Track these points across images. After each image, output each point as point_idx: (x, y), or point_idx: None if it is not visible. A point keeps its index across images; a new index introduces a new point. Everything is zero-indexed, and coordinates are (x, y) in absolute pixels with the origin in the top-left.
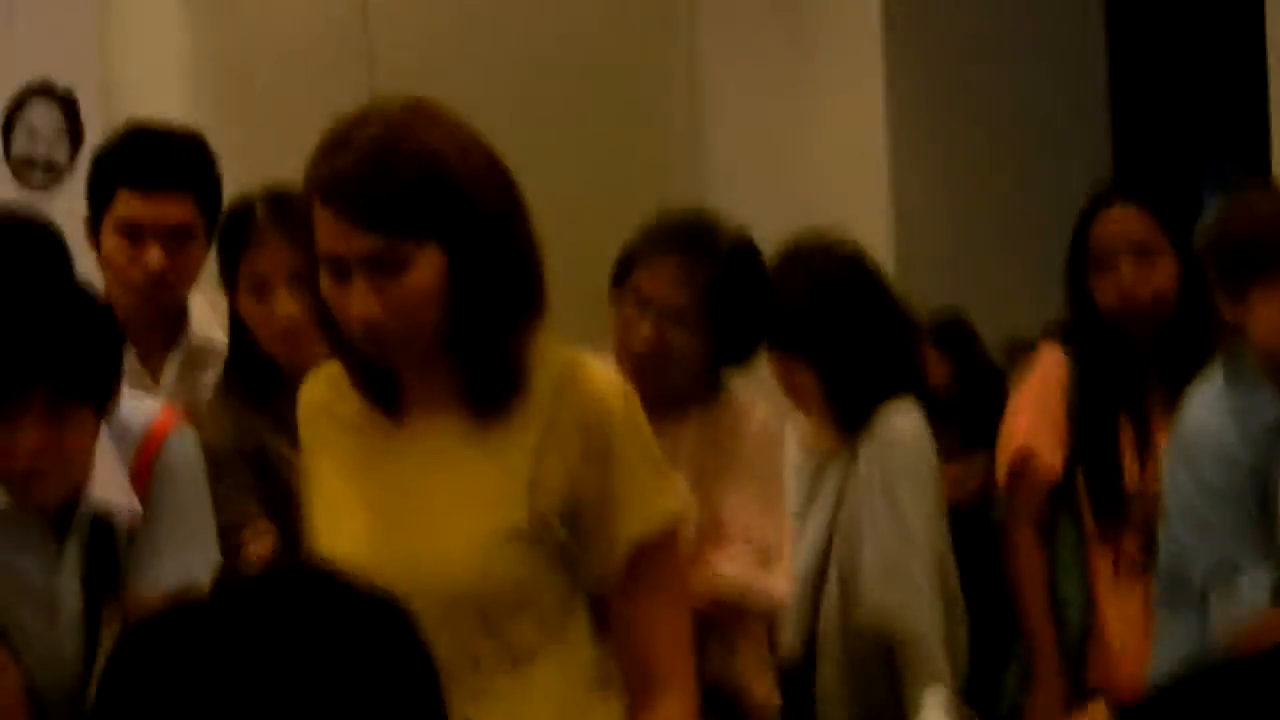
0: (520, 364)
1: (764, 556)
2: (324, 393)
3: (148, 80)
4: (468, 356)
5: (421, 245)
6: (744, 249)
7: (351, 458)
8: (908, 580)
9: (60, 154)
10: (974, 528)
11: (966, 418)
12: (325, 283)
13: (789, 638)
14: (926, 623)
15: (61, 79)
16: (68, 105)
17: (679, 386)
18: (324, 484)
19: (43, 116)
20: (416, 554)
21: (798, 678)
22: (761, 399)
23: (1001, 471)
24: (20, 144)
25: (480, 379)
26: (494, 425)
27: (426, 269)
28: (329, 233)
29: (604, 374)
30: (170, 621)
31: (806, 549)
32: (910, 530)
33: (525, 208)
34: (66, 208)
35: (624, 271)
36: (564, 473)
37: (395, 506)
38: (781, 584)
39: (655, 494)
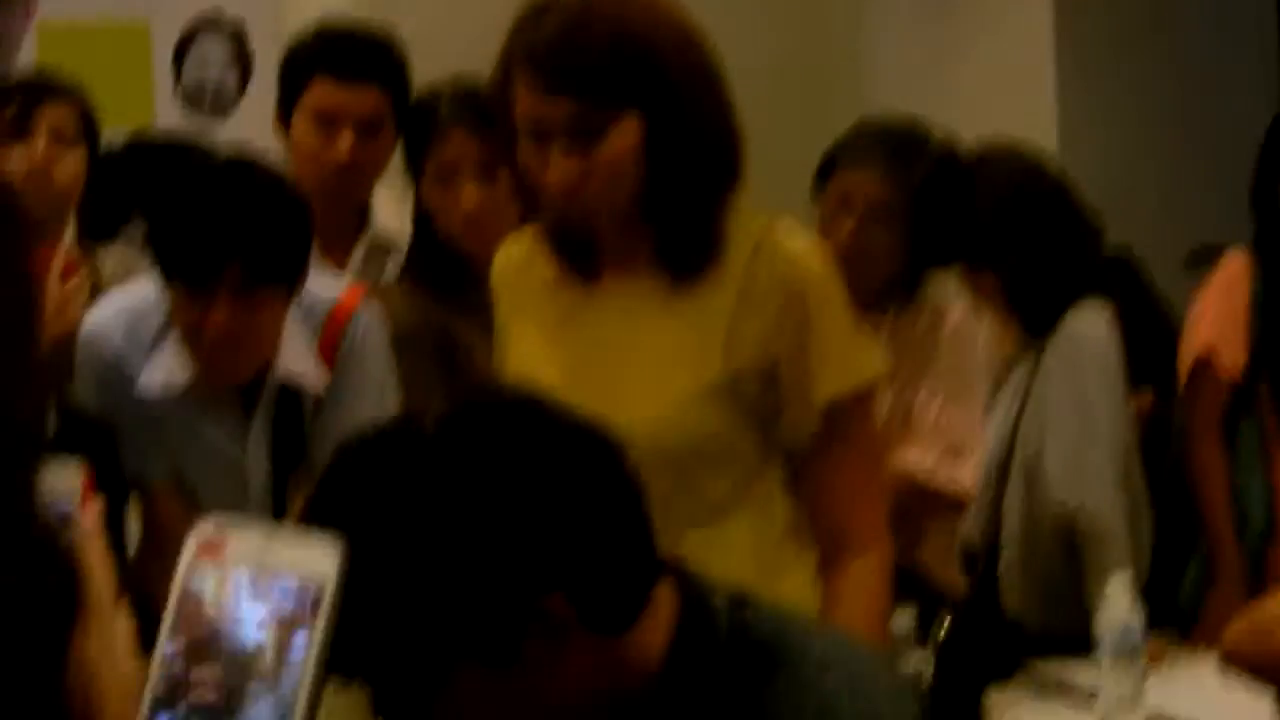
0: (717, 229)
1: (955, 449)
2: (520, 257)
3: (316, 13)
4: (665, 223)
5: (619, 113)
6: (949, 155)
7: (547, 319)
8: (1092, 473)
9: (229, 83)
10: (1154, 434)
11: (1133, 356)
12: (524, 151)
13: (973, 527)
14: (1109, 516)
15: (231, 10)
16: (237, 37)
17: (877, 287)
18: (519, 345)
19: (213, 47)
20: (611, 409)
21: (980, 567)
22: (959, 299)
23: (1184, 371)
24: (191, 73)
25: (677, 244)
26: (690, 288)
27: (624, 136)
28: (528, 100)
29: (802, 237)
30: (386, 438)
31: (991, 441)
32: (1095, 423)
33: (722, 79)
34: (235, 135)
35: (828, 172)
36: (760, 332)
37: (590, 364)
38: (971, 476)
39: (852, 354)
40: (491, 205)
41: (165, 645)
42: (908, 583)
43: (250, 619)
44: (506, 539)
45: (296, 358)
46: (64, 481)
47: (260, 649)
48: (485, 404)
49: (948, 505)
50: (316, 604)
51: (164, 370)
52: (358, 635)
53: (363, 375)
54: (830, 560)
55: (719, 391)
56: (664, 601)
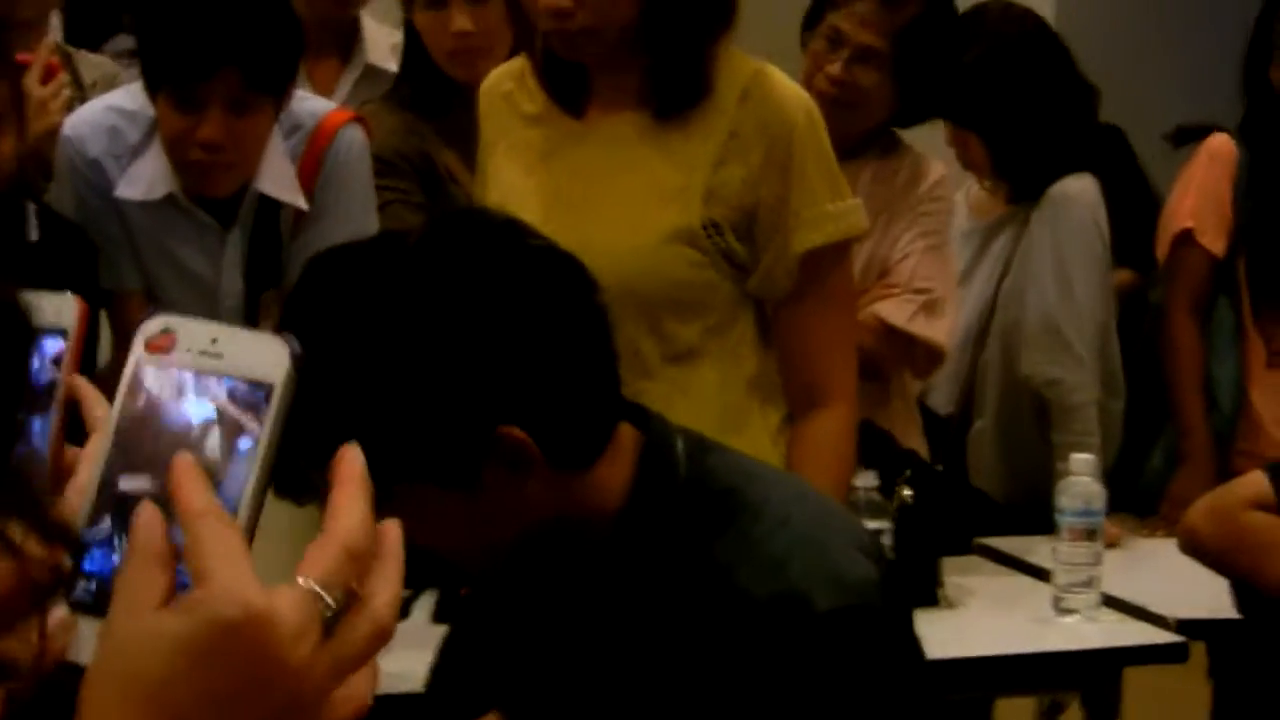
0: (708, 69)
1: (931, 304)
2: (508, 86)
3: None
4: (657, 57)
5: None
6: (942, 2)
7: (531, 150)
8: (1067, 345)
9: None
10: (1133, 312)
11: (1118, 232)
12: None
13: (945, 395)
14: (1082, 388)
15: None
16: None
17: (860, 130)
18: (499, 175)
19: None
20: (586, 244)
21: (951, 435)
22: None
23: (1163, 249)
24: None
25: (668, 80)
26: (677, 128)
27: None
28: None
29: (790, 86)
30: (361, 252)
31: (970, 309)
32: (1075, 296)
33: None
34: None
35: (818, 12)
36: (742, 179)
37: (569, 199)
38: (945, 333)
39: (833, 207)
40: (482, 30)
41: (107, 446)
42: (872, 445)
43: (196, 419)
44: (471, 359)
45: (277, 174)
46: (58, 316)
47: (205, 452)
48: (464, 225)
49: (924, 357)
50: (264, 406)
51: (144, 180)
52: (314, 443)
53: (344, 195)
54: (798, 413)
55: (694, 237)
56: (626, 442)
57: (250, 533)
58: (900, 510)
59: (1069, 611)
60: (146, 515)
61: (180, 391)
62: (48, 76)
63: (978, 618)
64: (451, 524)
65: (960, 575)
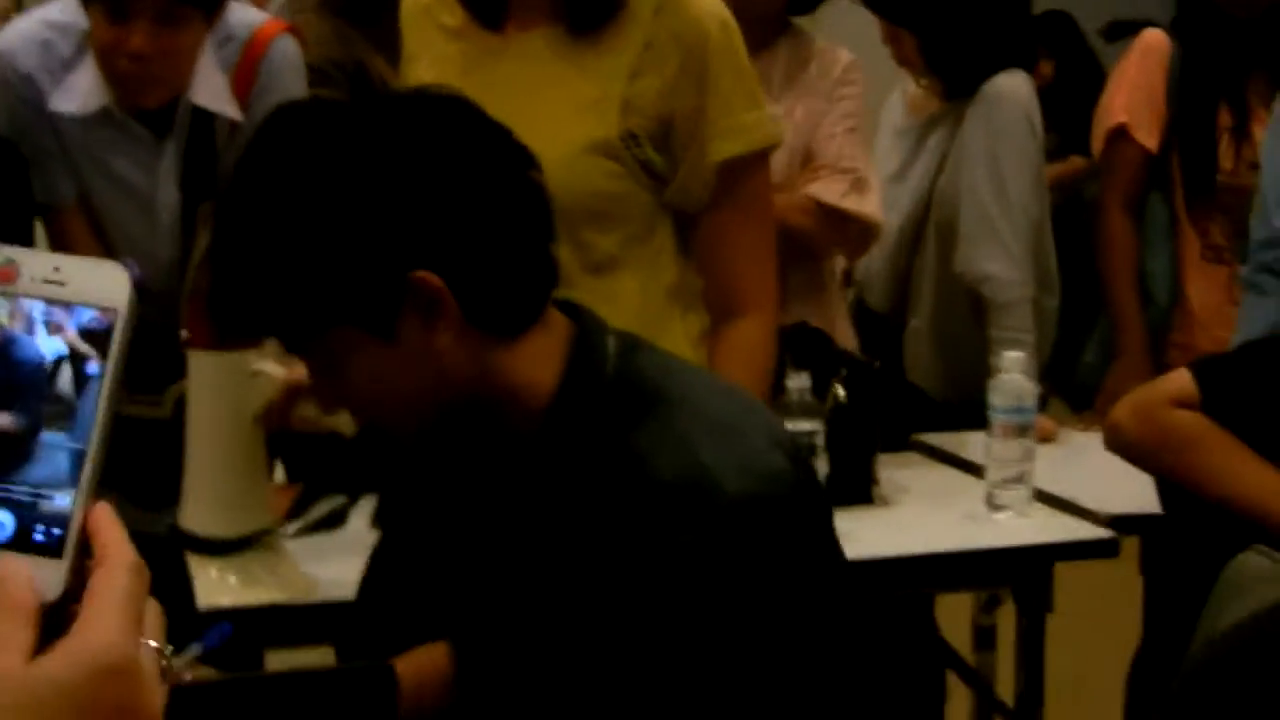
0: None
1: (859, 182)
2: (427, 0)
3: None
4: None
5: None
6: None
7: (451, 64)
8: (1001, 241)
9: None
10: (1066, 213)
11: (1066, 115)
12: None
13: (881, 293)
14: (1016, 285)
15: None
16: None
17: (764, 15)
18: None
19: None
20: None
21: (887, 332)
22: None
23: (1097, 145)
24: None
25: None
26: (591, 42)
27: None
28: None
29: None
30: (309, 108)
31: (906, 206)
32: (1008, 193)
33: None
34: None
35: None
36: (658, 91)
37: (494, 111)
38: (875, 208)
39: (747, 117)
40: None
41: None
42: (807, 345)
43: (47, 350)
44: (389, 198)
45: (210, 86)
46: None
47: (58, 382)
48: (408, 92)
49: (858, 233)
50: (110, 332)
51: (78, 93)
52: (243, 277)
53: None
54: (718, 321)
55: (611, 149)
56: (557, 329)
57: (101, 458)
58: (834, 410)
59: (1001, 508)
60: (12, 569)
61: (29, 321)
62: None
63: (912, 515)
64: (373, 374)
65: (896, 471)
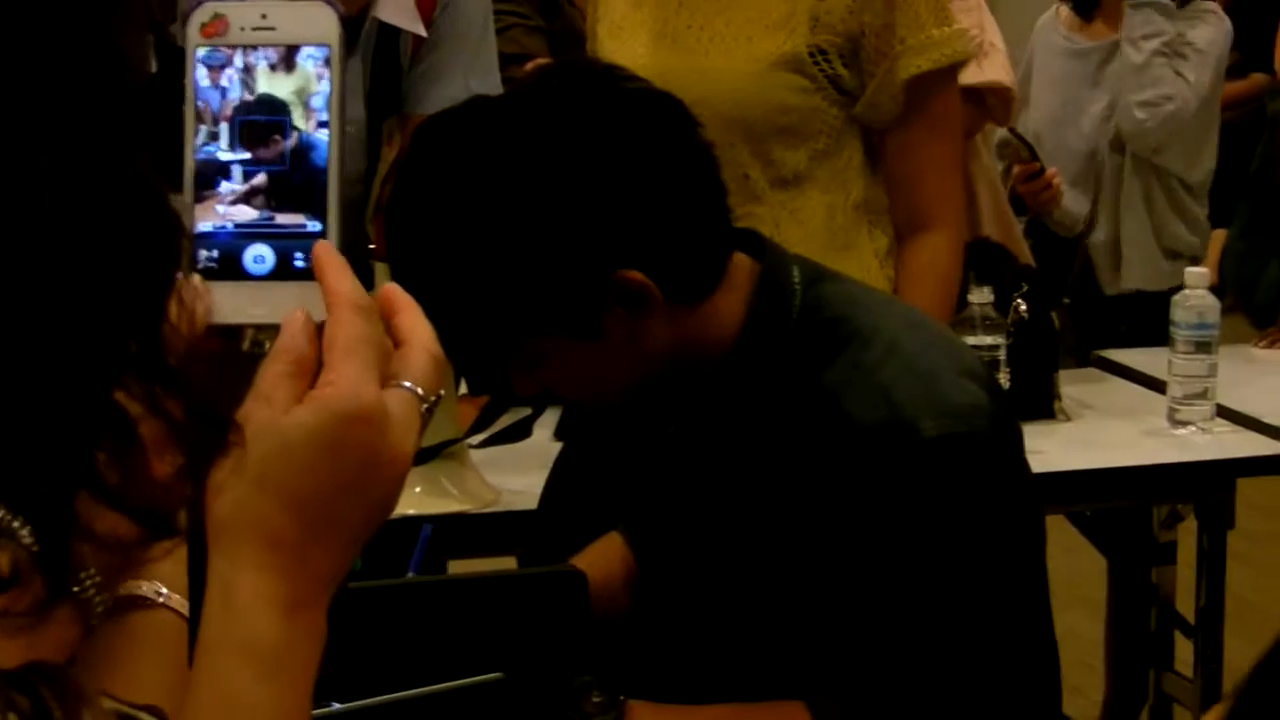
0: None
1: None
2: None
3: None
4: None
5: None
6: None
7: None
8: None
9: None
10: (1249, 129)
11: (1247, 33)
12: None
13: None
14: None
15: None
16: None
17: None
18: (610, 5)
19: None
20: (695, 72)
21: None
22: None
23: (1279, 63)
24: None
25: None
26: None
27: None
28: None
29: None
30: (465, 111)
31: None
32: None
33: None
34: None
35: None
36: (847, 7)
37: (676, 29)
38: (1001, 70)
39: (936, 33)
40: None
41: (195, 136)
42: (989, 261)
43: (276, 91)
44: (581, 208)
45: (394, 5)
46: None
47: (293, 119)
48: (560, 79)
49: (997, 101)
50: (326, 64)
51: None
52: (438, 304)
53: (463, 20)
54: (905, 236)
55: (800, 63)
56: (741, 271)
57: (339, 180)
58: (1016, 325)
59: (1183, 423)
60: (295, 320)
61: (252, 69)
62: None
63: (1094, 430)
64: (579, 371)
65: (1077, 386)
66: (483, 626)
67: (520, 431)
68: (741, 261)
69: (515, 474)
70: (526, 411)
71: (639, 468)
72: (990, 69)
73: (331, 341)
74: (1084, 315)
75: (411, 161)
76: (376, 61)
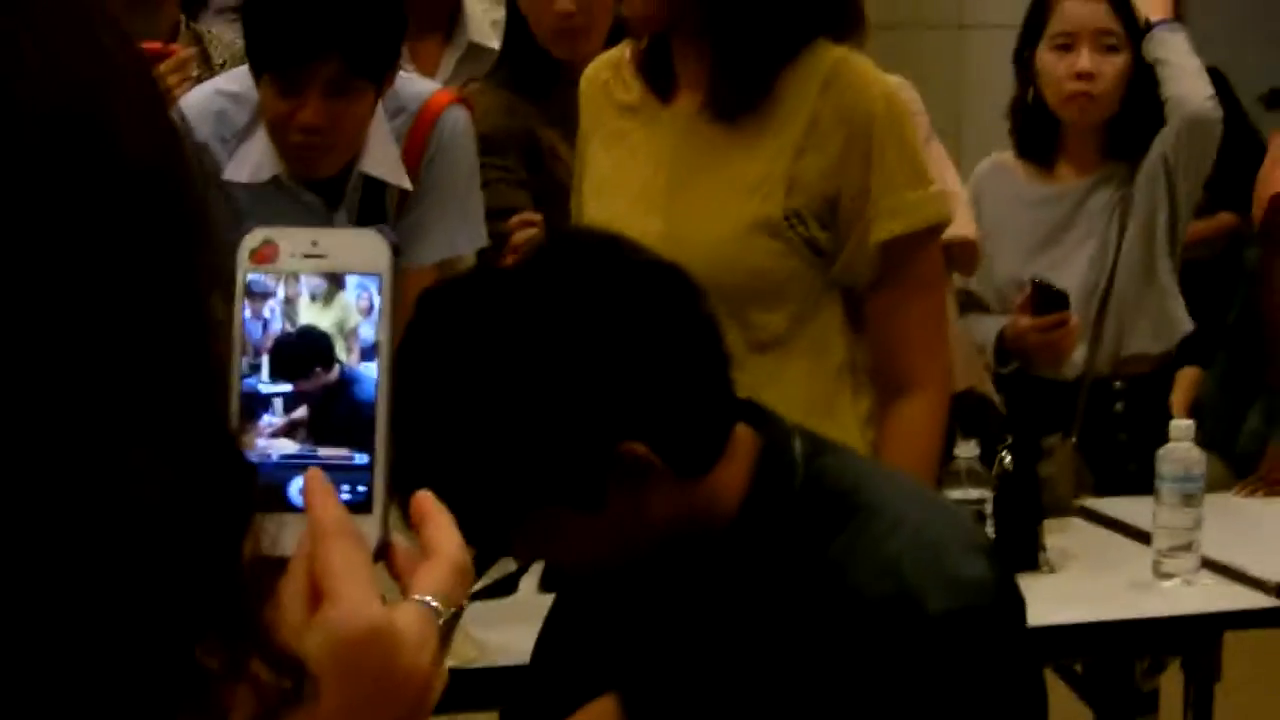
0: (768, 67)
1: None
2: (605, 75)
3: None
4: (716, 61)
5: None
6: None
7: (622, 141)
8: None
9: None
10: (1219, 274)
11: (1216, 172)
12: None
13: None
14: None
15: None
16: None
17: None
18: (594, 165)
19: None
20: (670, 237)
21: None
22: None
23: (1258, 212)
24: None
25: (726, 85)
26: (756, 118)
27: None
28: None
29: (872, 74)
30: (470, 282)
31: (1082, 276)
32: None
33: None
34: None
35: None
36: (821, 170)
37: (654, 191)
38: (966, 225)
39: (911, 195)
40: (584, 9)
41: (240, 363)
42: (972, 413)
43: (319, 322)
44: (587, 381)
45: (381, 155)
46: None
47: (341, 350)
48: (565, 249)
49: (961, 255)
50: (376, 294)
51: (251, 162)
52: (439, 477)
53: (449, 173)
54: (887, 399)
55: (775, 228)
56: (743, 443)
57: (388, 412)
58: (1001, 478)
59: (1168, 575)
60: (299, 561)
61: (299, 296)
62: (164, 55)
63: (1078, 582)
64: (580, 542)
65: (1062, 537)
66: None
67: (507, 587)
68: (743, 433)
69: (499, 628)
70: (513, 566)
71: (637, 633)
72: (955, 222)
73: (326, 568)
74: (1095, 454)
75: (416, 330)
76: (362, 215)
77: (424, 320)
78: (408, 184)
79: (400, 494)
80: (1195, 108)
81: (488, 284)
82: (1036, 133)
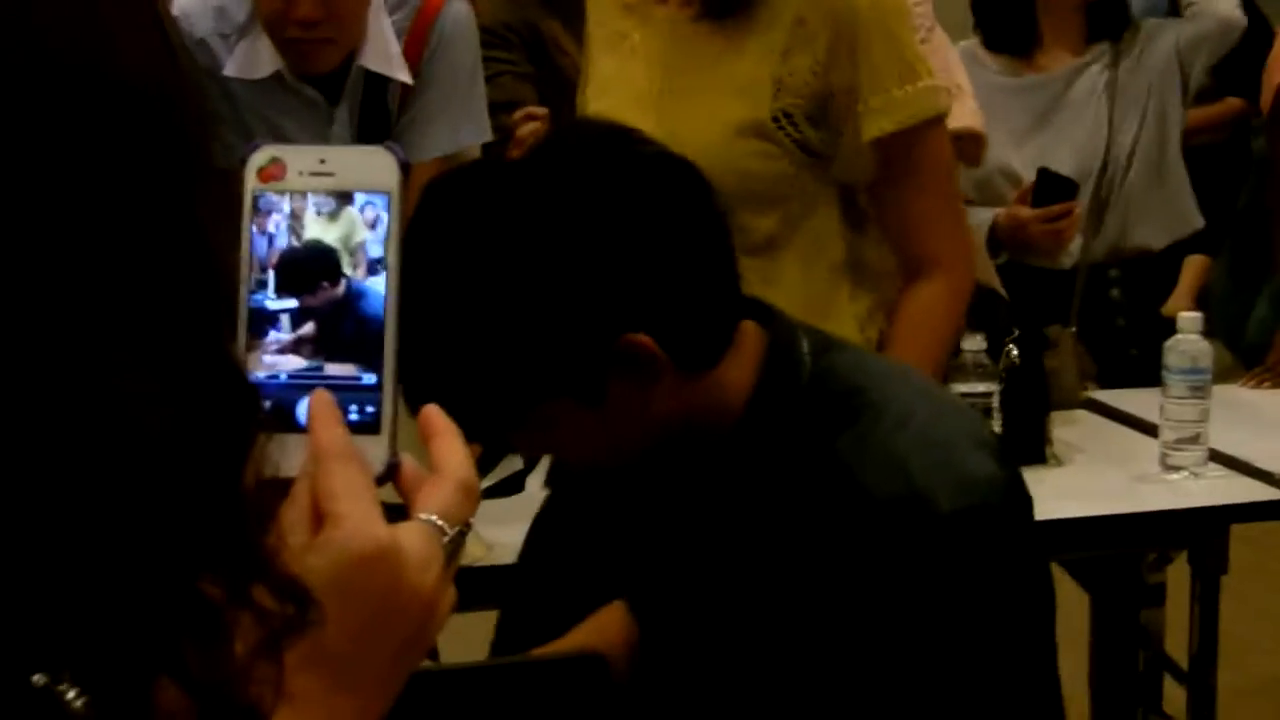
0: None
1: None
2: None
3: None
4: None
5: None
6: None
7: (623, 42)
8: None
9: None
10: (1227, 161)
11: (1222, 63)
12: None
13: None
14: None
15: None
16: None
17: None
18: (596, 65)
19: None
20: (665, 137)
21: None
22: None
23: (1266, 100)
24: None
25: None
26: (744, 18)
27: None
28: None
29: None
30: (475, 172)
31: (1074, 159)
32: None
33: None
34: None
35: None
36: (810, 68)
37: (653, 92)
38: (972, 115)
39: (899, 92)
40: None
41: (250, 277)
42: (981, 307)
43: (325, 236)
44: (591, 270)
45: (380, 49)
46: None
47: (351, 266)
48: (573, 139)
49: (970, 144)
50: (386, 212)
51: (250, 58)
52: (444, 368)
53: (451, 67)
54: (908, 283)
55: (764, 130)
56: (750, 340)
57: (396, 330)
58: (1008, 371)
59: (1175, 468)
60: (302, 483)
61: (308, 214)
62: None
63: (1085, 475)
64: (583, 437)
65: (1069, 429)
66: (503, 714)
67: (513, 485)
68: (750, 329)
69: (506, 526)
70: (520, 463)
71: (642, 534)
72: (960, 114)
73: (328, 490)
74: (1095, 342)
75: (419, 221)
76: (364, 109)
77: (427, 211)
78: (408, 77)
79: (408, 395)
80: (1227, 13)
81: (492, 173)
82: (1010, 21)
